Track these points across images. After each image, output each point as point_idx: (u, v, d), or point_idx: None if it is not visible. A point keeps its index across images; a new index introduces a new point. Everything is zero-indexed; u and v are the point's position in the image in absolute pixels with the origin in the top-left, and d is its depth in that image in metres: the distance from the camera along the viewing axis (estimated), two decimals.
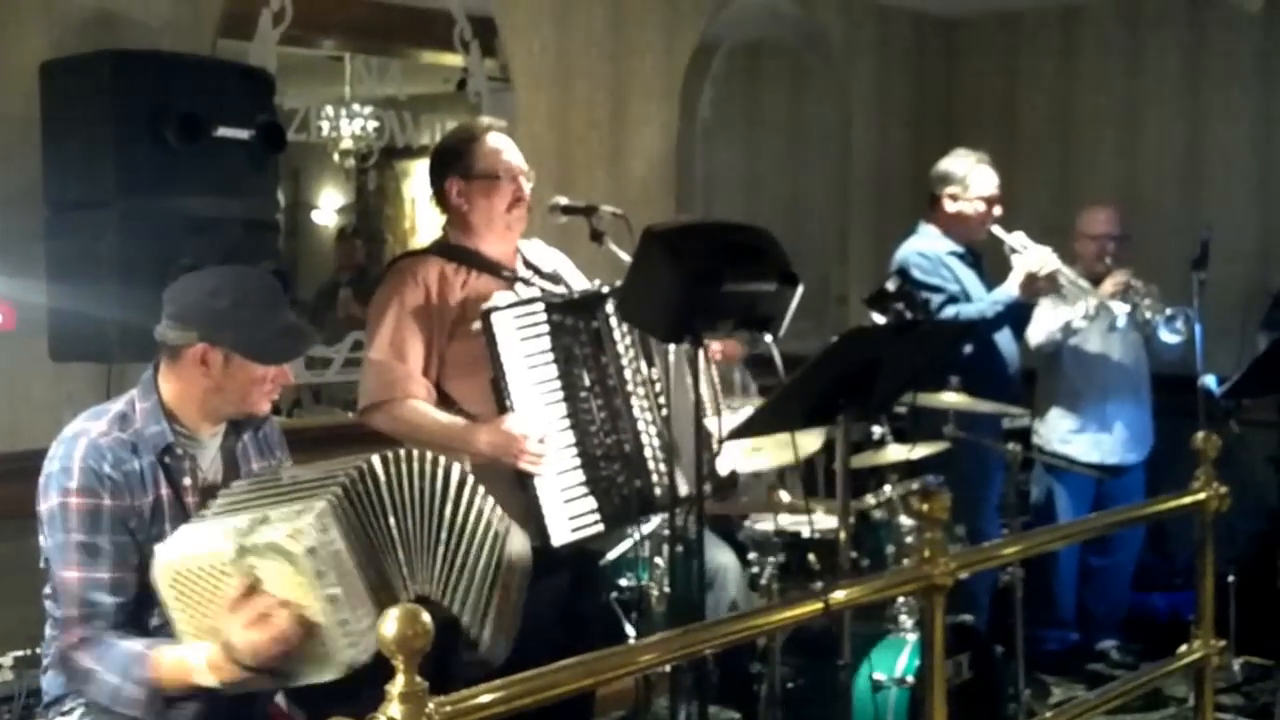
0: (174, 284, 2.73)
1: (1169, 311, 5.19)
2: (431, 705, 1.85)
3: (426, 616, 1.85)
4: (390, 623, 1.83)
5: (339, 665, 2.46)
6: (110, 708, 2.56)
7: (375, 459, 2.62)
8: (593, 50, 5.53)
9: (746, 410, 3.70)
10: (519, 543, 2.86)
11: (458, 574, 2.71)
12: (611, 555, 4.10)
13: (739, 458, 3.90)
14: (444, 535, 2.69)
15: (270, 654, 2.44)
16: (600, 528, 3.43)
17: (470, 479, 2.78)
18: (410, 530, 2.64)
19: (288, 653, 2.45)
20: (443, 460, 2.74)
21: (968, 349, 4.66)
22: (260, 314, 2.71)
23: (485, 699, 1.94)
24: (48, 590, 2.66)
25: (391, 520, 2.61)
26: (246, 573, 2.43)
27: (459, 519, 2.72)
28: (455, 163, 3.57)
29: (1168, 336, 5.23)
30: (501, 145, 3.58)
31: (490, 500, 2.81)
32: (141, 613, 2.64)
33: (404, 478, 2.65)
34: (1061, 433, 5.52)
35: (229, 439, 2.84)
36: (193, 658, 2.51)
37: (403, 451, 2.68)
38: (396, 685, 1.82)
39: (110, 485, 2.60)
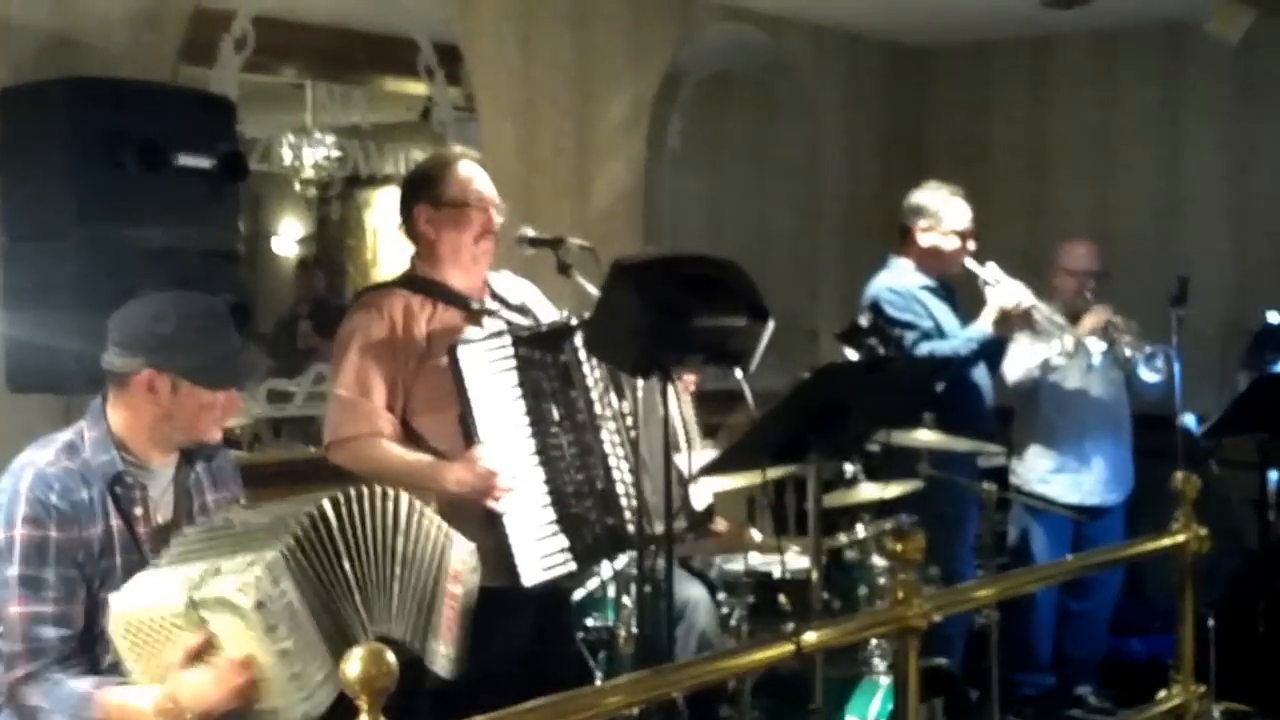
0: (118, 311, 2.75)
1: (1149, 350, 5.23)
2: None
3: (391, 656, 1.87)
4: (354, 663, 1.85)
5: (296, 716, 2.48)
6: None
7: (326, 502, 2.62)
8: (559, 79, 5.56)
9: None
10: (461, 551, 2.88)
11: (412, 603, 2.73)
12: (578, 595, 4.11)
13: (708, 486, 3.91)
14: (398, 570, 2.71)
15: (221, 709, 2.47)
16: (572, 566, 3.44)
17: (417, 505, 2.80)
18: (366, 571, 2.65)
19: (239, 708, 2.48)
20: (390, 492, 2.75)
21: (941, 386, 4.69)
22: (206, 338, 2.72)
23: None
24: None
25: (347, 565, 2.62)
26: (199, 626, 2.45)
27: (411, 549, 2.75)
28: (425, 190, 3.59)
29: (1147, 375, 5.26)
30: (473, 174, 3.60)
31: (434, 518, 2.83)
32: (93, 646, 2.64)
33: (356, 518, 2.66)
34: (1040, 472, 5.55)
35: (182, 470, 2.84)
36: (141, 701, 2.52)
37: (352, 491, 2.69)
38: None
39: (57, 516, 2.61)
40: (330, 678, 2.47)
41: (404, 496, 2.77)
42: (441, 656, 2.79)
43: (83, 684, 2.58)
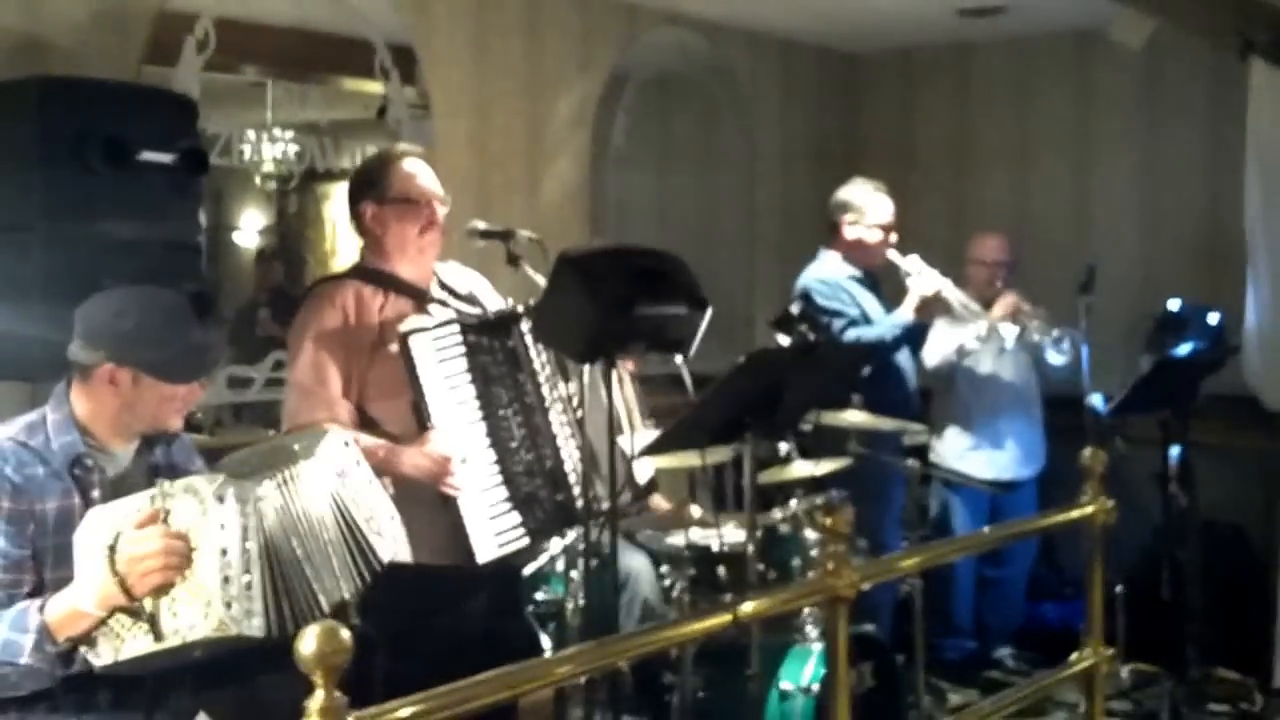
0: (84, 305, 2.71)
1: (1055, 333, 5.28)
2: (351, 719, 1.83)
3: (345, 633, 1.83)
4: (309, 640, 1.81)
5: (212, 620, 2.41)
6: (5, 663, 2.50)
7: (272, 486, 2.55)
8: (510, 80, 5.53)
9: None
10: (325, 448, 2.73)
11: (346, 554, 2.66)
12: (529, 569, 4.08)
13: (650, 460, 3.90)
14: (331, 535, 2.64)
15: (148, 577, 2.42)
16: (525, 541, 3.41)
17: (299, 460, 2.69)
18: (311, 547, 2.59)
19: (163, 572, 2.43)
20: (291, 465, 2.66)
21: (868, 370, 4.70)
22: (166, 333, 2.68)
23: (405, 713, 1.92)
24: None
25: (295, 543, 2.56)
26: (157, 504, 2.46)
27: (332, 513, 2.67)
28: (370, 187, 3.54)
29: (1054, 357, 5.32)
30: (416, 170, 3.55)
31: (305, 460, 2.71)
32: None
33: (294, 496, 2.60)
34: (958, 450, 5.59)
35: (142, 453, 2.81)
36: (74, 595, 2.48)
37: (289, 474, 2.61)
38: (315, 700, 1.80)
39: (9, 487, 2.57)
40: (257, 617, 2.42)
41: (303, 467, 2.66)
42: (382, 548, 2.73)
43: (20, 603, 2.53)
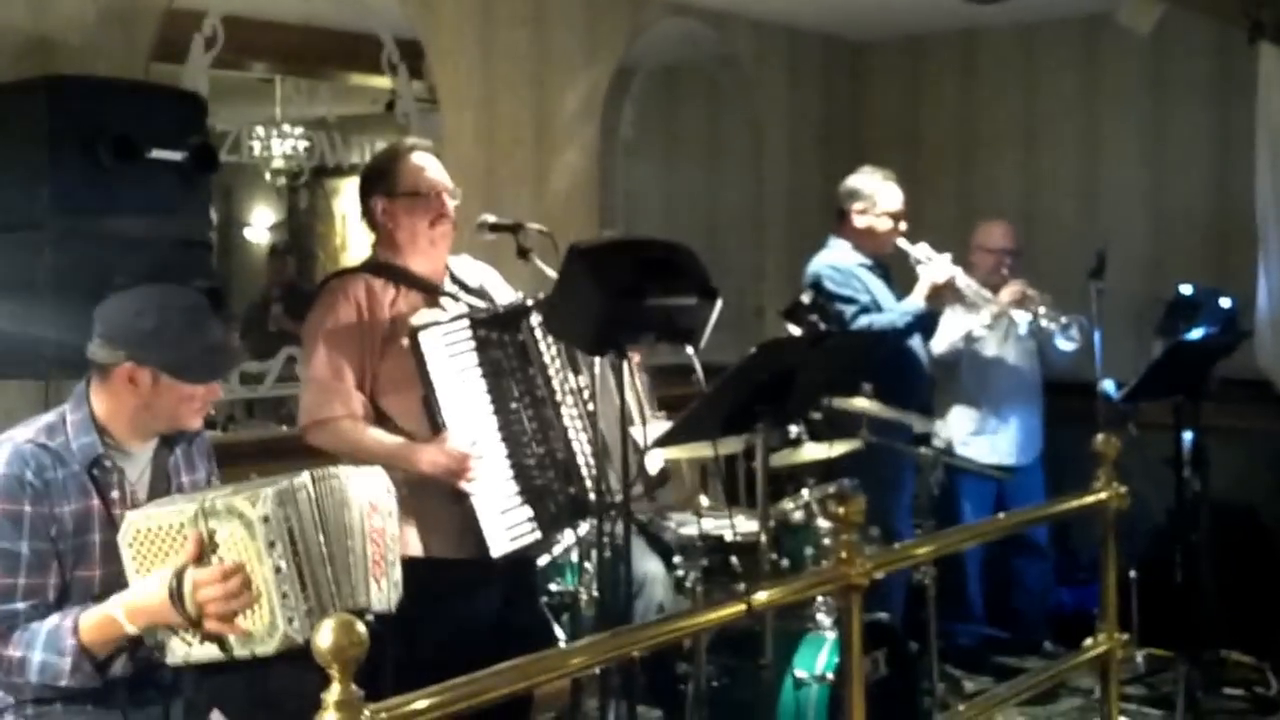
0: (103, 304, 2.71)
1: (1064, 320, 5.26)
2: (367, 712, 1.83)
3: (361, 627, 1.84)
4: (326, 633, 1.81)
5: (275, 638, 2.45)
6: (46, 685, 2.53)
7: (305, 475, 2.60)
8: (517, 72, 5.51)
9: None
10: (368, 483, 2.77)
11: (360, 566, 2.68)
12: (542, 561, 4.08)
13: (661, 451, 3.89)
14: (354, 542, 2.67)
15: (212, 606, 2.44)
16: (537, 535, 3.42)
17: (339, 471, 2.74)
18: (334, 550, 2.61)
19: (229, 611, 2.45)
20: (333, 470, 2.71)
21: (880, 357, 4.69)
22: (185, 334, 2.68)
23: (421, 704, 1.92)
24: None
25: (322, 538, 2.58)
26: (203, 530, 2.45)
27: (350, 520, 2.69)
28: (380, 181, 3.54)
29: (1063, 344, 5.29)
30: (425, 163, 3.56)
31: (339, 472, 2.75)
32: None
33: (325, 495, 2.63)
34: (961, 435, 5.58)
35: (160, 453, 2.80)
36: (111, 611, 2.50)
37: (323, 472, 2.66)
38: (332, 694, 1.80)
39: (31, 492, 2.57)
40: (308, 615, 2.46)
41: (343, 472, 2.72)
42: (376, 595, 2.71)
43: (50, 620, 2.54)
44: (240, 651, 2.49)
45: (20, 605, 2.55)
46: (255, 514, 2.44)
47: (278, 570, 2.44)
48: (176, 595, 2.45)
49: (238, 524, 2.45)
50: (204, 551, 2.46)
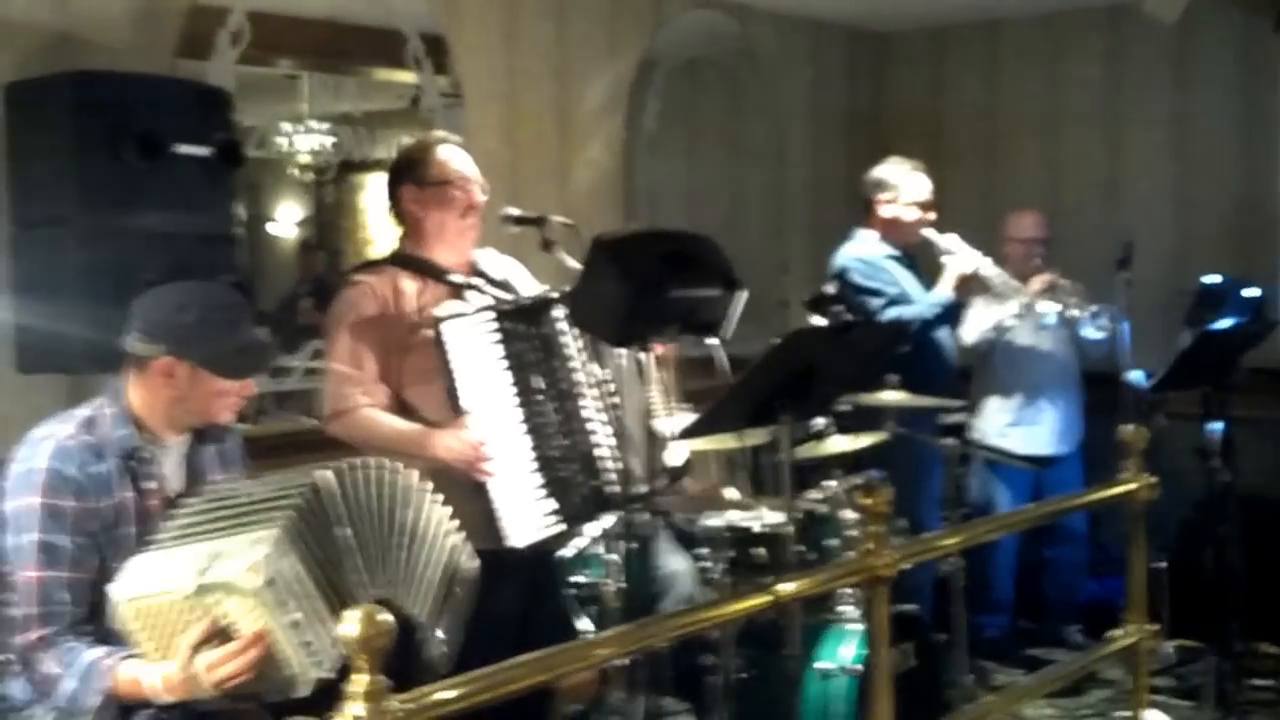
0: (142, 297, 2.72)
1: (1093, 309, 5.23)
2: (394, 702, 1.82)
3: (386, 615, 1.83)
4: (351, 624, 1.80)
5: (306, 684, 2.43)
6: (68, 711, 2.52)
7: (330, 473, 2.58)
8: (541, 66, 5.51)
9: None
10: (470, 557, 2.84)
11: (415, 577, 2.69)
12: (568, 553, 4.06)
13: (684, 443, 3.88)
14: (402, 539, 2.67)
15: (236, 683, 2.41)
16: (562, 527, 3.41)
17: (428, 486, 2.76)
18: (367, 537, 2.60)
19: (254, 680, 2.43)
20: (400, 467, 2.72)
21: (907, 347, 4.66)
22: (225, 330, 2.69)
23: (446, 695, 1.92)
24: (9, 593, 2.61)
25: (349, 530, 2.57)
26: (209, 609, 2.40)
27: (416, 523, 2.71)
28: (409, 172, 3.54)
29: (1092, 333, 5.26)
30: (454, 155, 3.57)
31: (446, 509, 2.79)
32: (102, 613, 2.57)
33: (359, 486, 2.62)
34: (998, 426, 5.54)
35: (193, 448, 2.81)
36: (152, 677, 2.46)
37: (359, 461, 2.65)
38: (359, 684, 1.79)
39: (75, 486, 2.58)
40: (334, 645, 2.42)
41: (414, 475, 2.73)
42: (438, 642, 2.73)
43: (96, 652, 2.53)
44: (274, 699, 2.47)
45: (65, 597, 2.54)
46: (257, 582, 2.36)
47: (295, 624, 2.40)
48: (194, 666, 2.42)
49: (242, 598, 2.38)
50: (215, 635, 2.41)
